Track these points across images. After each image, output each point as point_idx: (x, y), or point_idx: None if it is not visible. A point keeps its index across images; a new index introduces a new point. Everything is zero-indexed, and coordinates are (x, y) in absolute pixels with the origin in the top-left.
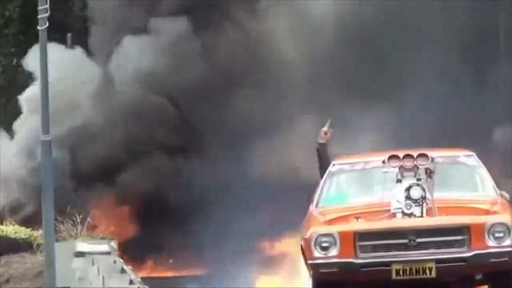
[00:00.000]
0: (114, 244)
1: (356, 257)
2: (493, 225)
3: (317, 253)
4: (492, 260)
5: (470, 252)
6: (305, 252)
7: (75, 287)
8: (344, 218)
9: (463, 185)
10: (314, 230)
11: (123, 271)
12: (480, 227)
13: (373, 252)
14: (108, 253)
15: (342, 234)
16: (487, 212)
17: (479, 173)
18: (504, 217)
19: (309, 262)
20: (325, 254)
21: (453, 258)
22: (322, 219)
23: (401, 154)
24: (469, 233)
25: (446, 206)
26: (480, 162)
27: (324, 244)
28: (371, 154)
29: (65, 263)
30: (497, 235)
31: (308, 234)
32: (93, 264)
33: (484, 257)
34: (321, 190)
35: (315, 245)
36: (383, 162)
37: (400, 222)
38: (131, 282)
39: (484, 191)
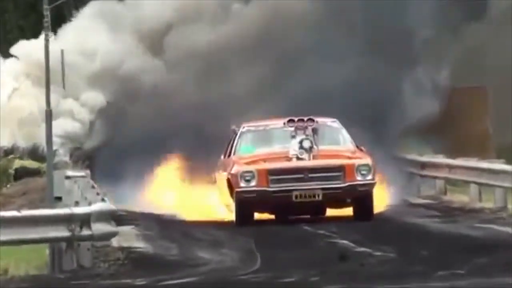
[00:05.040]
0: (87, 172)
1: (269, 186)
2: (360, 165)
3: (242, 183)
4: (359, 189)
5: (345, 183)
6: (232, 184)
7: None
8: (256, 161)
9: (331, 141)
10: (239, 168)
11: (93, 187)
12: (351, 166)
13: (280, 183)
14: (84, 176)
15: (259, 171)
16: (354, 157)
17: (341, 133)
18: (367, 160)
19: (237, 190)
20: (248, 184)
21: (333, 187)
22: (242, 161)
23: (295, 119)
24: (344, 171)
25: (325, 154)
26: (341, 125)
27: (247, 178)
28: (269, 119)
29: (59, 183)
30: (362, 172)
31: (234, 171)
32: (75, 183)
33: (354, 187)
34: (236, 144)
35: (240, 178)
36: (284, 124)
37: (299, 163)
38: (97, 193)
39: (345, 144)
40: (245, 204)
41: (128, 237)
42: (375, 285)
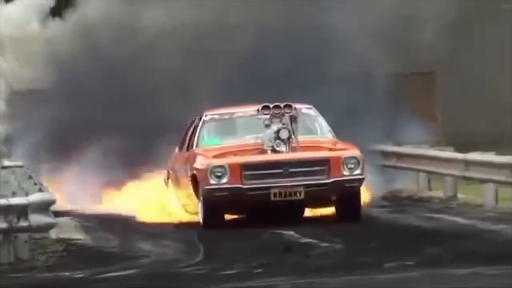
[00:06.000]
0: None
1: (243, 183)
2: (346, 158)
3: (212, 180)
4: (346, 185)
5: (330, 179)
6: (199, 180)
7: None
8: (225, 155)
9: (307, 130)
10: (208, 162)
11: (30, 177)
12: (337, 159)
13: (256, 180)
14: (22, 166)
15: (231, 166)
16: (339, 149)
17: (318, 122)
18: (354, 152)
19: (205, 187)
20: (218, 181)
21: (317, 184)
22: (210, 154)
23: (271, 105)
24: (329, 165)
25: (305, 145)
26: (317, 112)
27: (218, 174)
28: (234, 107)
29: None
30: (350, 166)
31: (202, 166)
32: (12, 173)
33: (340, 183)
34: (198, 134)
35: (210, 174)
36: (258, 110)
37: (277, 156)
38: (35, 184)
39: (323, 134)
40: (215, 204)
41: (67, 229)
42: (320, 277)
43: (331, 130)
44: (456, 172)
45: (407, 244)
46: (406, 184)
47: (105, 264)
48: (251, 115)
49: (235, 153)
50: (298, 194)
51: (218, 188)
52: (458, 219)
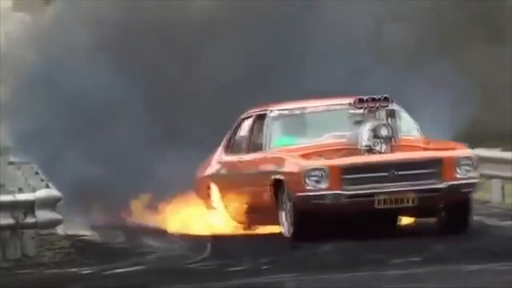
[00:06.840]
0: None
1: (343, 189)
2: (462, 158)
3: (308, 186)
4: (462, 190)
5: (444, 183)
6: (289, 186)
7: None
8: (310, 156)
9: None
10: (303, 164)
11: (37, 173)
12: (452, 160)
13: (357, 184)
14: (28, 162)
15: (331, 168)
16: (449, 148)
17: (403, 117)
18: (468, 151)
19: (298, 194)
20: (316, 187)
21: (430, 189)
22: (296, 155)
23: (365, 98)
24: (441, 167)
25: (405, 144)
26: (400, 106)
27: (315, 178)
28: (303, 101)
29: (2, 169)
30: (465, 167)
31: (295, 169)
32: (19, 169)
33: (456, 188)
34: (266, 133)
35: (306, 178)
36: (350, 104)
37: (381, 157)
38: (42, 180)
39: (410, 132)
40: (309, 214)
41: (74, 225)
42: (328, 274)
43: (418, 127)
44: None
45: (414, 240)
46: None
47: (112, 260)
48: (327, 110)
49: (319, 154)
50: (408, 200)
51: (315, 195)
52: None
